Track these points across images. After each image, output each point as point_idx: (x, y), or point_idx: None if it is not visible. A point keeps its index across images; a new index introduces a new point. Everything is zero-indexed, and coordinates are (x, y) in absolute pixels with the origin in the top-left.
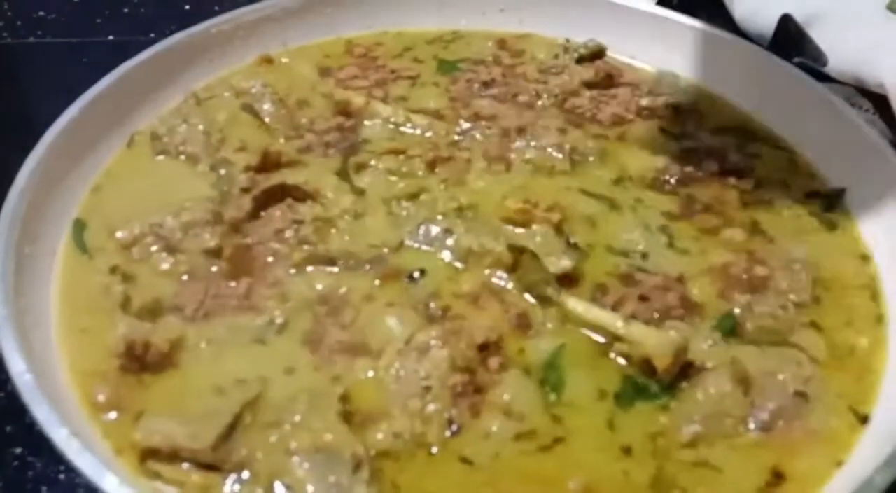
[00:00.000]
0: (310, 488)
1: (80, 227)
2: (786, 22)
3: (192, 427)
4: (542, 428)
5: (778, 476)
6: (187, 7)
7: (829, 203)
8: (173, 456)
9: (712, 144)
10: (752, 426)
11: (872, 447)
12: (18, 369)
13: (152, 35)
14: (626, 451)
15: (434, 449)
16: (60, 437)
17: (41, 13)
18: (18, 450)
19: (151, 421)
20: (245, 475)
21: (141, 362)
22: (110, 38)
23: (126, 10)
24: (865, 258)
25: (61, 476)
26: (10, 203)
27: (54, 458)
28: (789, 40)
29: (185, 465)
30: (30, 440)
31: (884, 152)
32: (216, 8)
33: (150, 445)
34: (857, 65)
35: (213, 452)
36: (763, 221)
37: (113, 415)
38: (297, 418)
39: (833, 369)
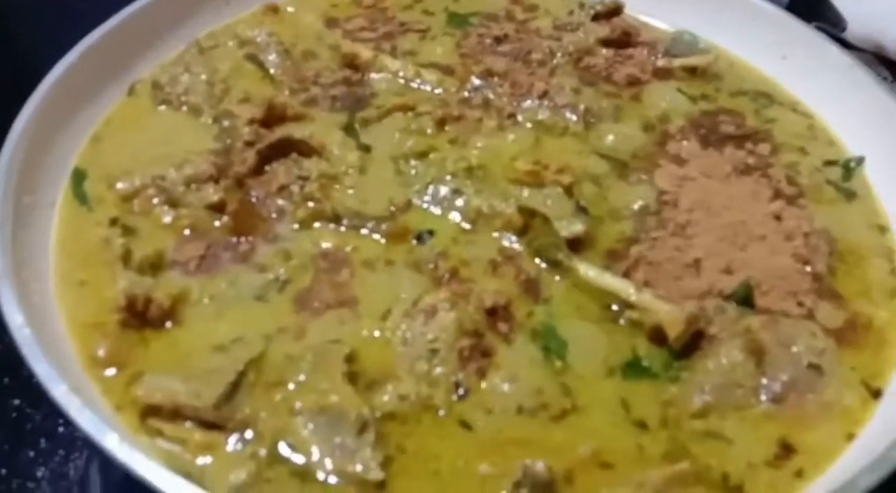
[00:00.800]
0: (314, 449)
1: (79, 177)
2: None
3: (194, 385)
4: (551, 398)
5: (788, 449)
6: None
7: (848, 172)
8: (175, 414)
9: (730, 107)
10: (763, 397)
11: (885, 421)
12: (17, 322)
13: None
14: (638, 423)
15: (441, 412)
16: (60, 393)
17: None
18: (17, 402)
19: (153, 378)
20: (248, 434)
21: (142, 317)
22: None
23: None
24: (883, 229)
25: (60, 429)
26: (7, 151)
27: (53, 411)
28: (808, 3)
29: (188, 423)
30: (28, 393)
31: None
32: None
33: (151, 402)
34: (876, 31)
35: (216, 410)
36: (781, 189)
37: (112, 371)
38: (302, 377)
39: (848, 342)
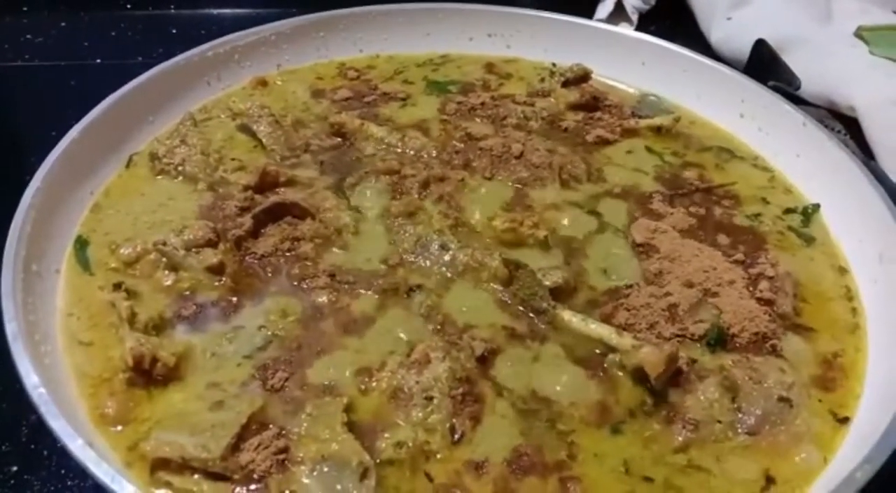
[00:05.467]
0: None
1: (82, 245)
2: (760, 47)
3: (200, 438)
4: (547, 448)
5: (768, 479)
6: (173, 31)
7: (807, 218)
8: (183, 467)
9: (695, 163)
10: (740, 430)
11: (854, 447)
12: (33, 382)
13: (140, 58)
14: (626, 468)
15: (438, 457)
16: (76, 447)
17: (28, 36)
18: (15, 468)
19: (161, 433)
20: (254, 484)
21: (148, 375)
22: (98, 61)
23: (113, 33)
24: (842, 270)
25: None
26: (16, 223)
27: (51, 476)
28: (763, 64)
29: (196, 475)
30: (26, 458)
31: (856, 171)
32: (202, 32)
33: (159, 455)
34: (828, 89)
35: (223, 462)
36: (746, 237)
37: (119, 428)
38: (304, 427)
39: (814, 376)
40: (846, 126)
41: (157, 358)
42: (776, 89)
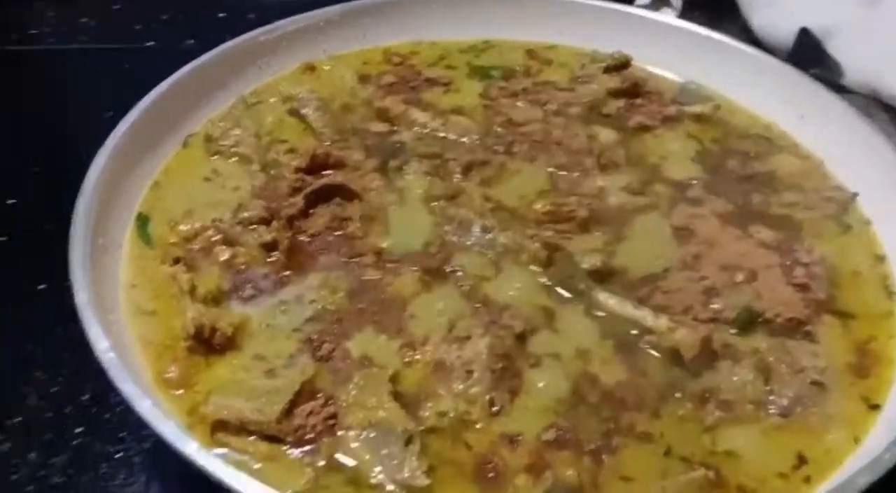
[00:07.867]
0: (366, 459)
1: (143, 221)
2: (803, 35)
3: (256, 403)
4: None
5: (800, 458)
6: (222, 15)
7: (844, 207)
8: (240, 429)
9: (735, 150)
10: (772, 411)
11: (884, 432)
12: (103, 347)
13: (190, 41)
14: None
15: (478, 427)
16: (145, 408)
17: (84, 19)
18: (79, 429)
19: (219, 398)
20: (307, 446)
21: (208, 344)
22: (150, 44)
23: (164, 17)
24: (880, 258)
25: (118, 455)
26: (84, 199)
27: (111, 437)
28: (807, 53)
29: (252, 437)
30: (88, 421)
31: None
32: (251, 16)
33: (219, 418)
34: (872, 77)
35: (278, 424)
36: (783, 224)
37: (181, 392)
38: (352, 395)
39: (847, 361)
40: (890, 115)
41: (216, 328)
42: (819, 78)
